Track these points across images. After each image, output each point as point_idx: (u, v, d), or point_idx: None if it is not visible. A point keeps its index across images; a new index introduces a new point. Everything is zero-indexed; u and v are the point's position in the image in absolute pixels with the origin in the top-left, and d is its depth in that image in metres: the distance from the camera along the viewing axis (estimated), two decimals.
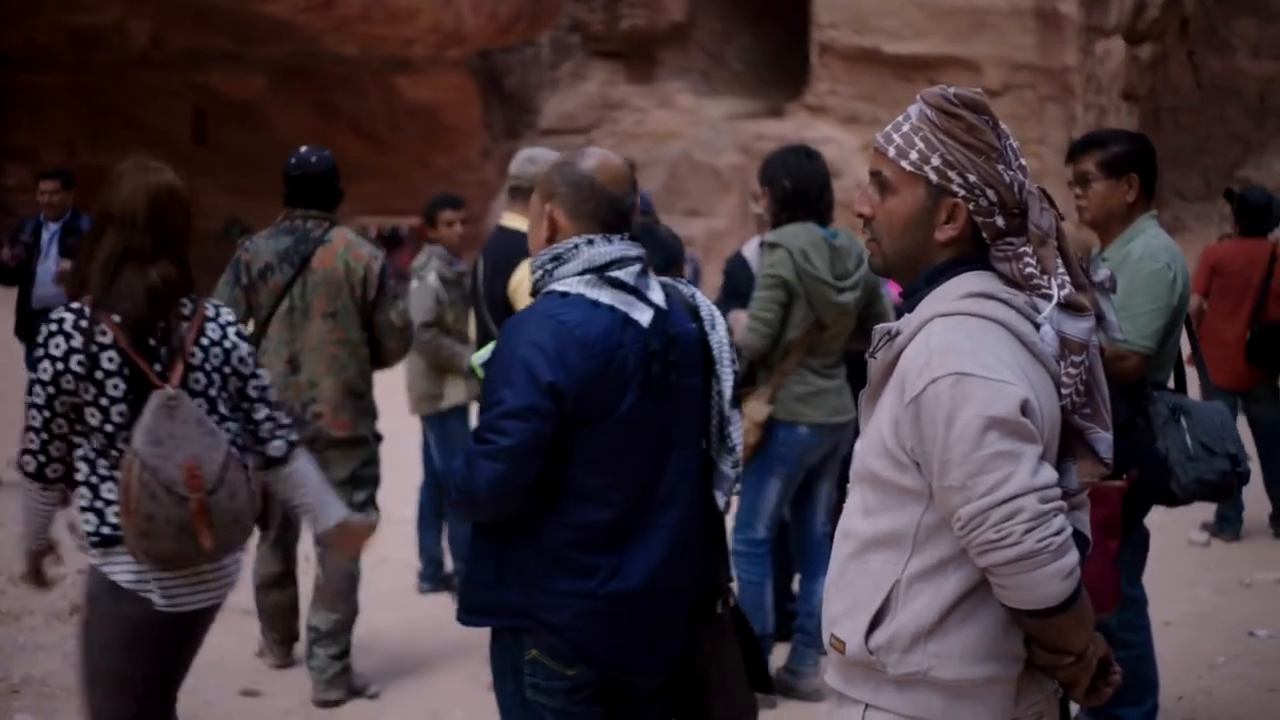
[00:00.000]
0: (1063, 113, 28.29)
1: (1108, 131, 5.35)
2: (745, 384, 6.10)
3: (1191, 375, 5.31)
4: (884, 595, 2.56)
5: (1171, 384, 5.22)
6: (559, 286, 3.42)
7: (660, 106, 33.97)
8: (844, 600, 2.65)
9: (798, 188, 6.01)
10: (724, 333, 3.66)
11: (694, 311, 3.64)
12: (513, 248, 5.63)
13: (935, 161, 2.56)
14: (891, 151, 2.62)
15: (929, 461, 2.47)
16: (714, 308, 3.70)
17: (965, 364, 2.43)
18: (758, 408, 5.96)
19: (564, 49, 36.80)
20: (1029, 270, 2.56)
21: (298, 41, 29.00)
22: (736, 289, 6.54)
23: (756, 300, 5.96)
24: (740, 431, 3.69)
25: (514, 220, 5.97)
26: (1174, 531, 9.15)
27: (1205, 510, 9.43)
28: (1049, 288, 2.56)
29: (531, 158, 6.09)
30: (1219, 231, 29.62)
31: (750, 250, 6.95)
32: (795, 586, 6.90)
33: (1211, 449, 4.88)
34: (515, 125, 35.34)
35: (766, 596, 6.12)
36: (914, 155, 2.58)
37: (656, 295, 3.51)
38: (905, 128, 2.62)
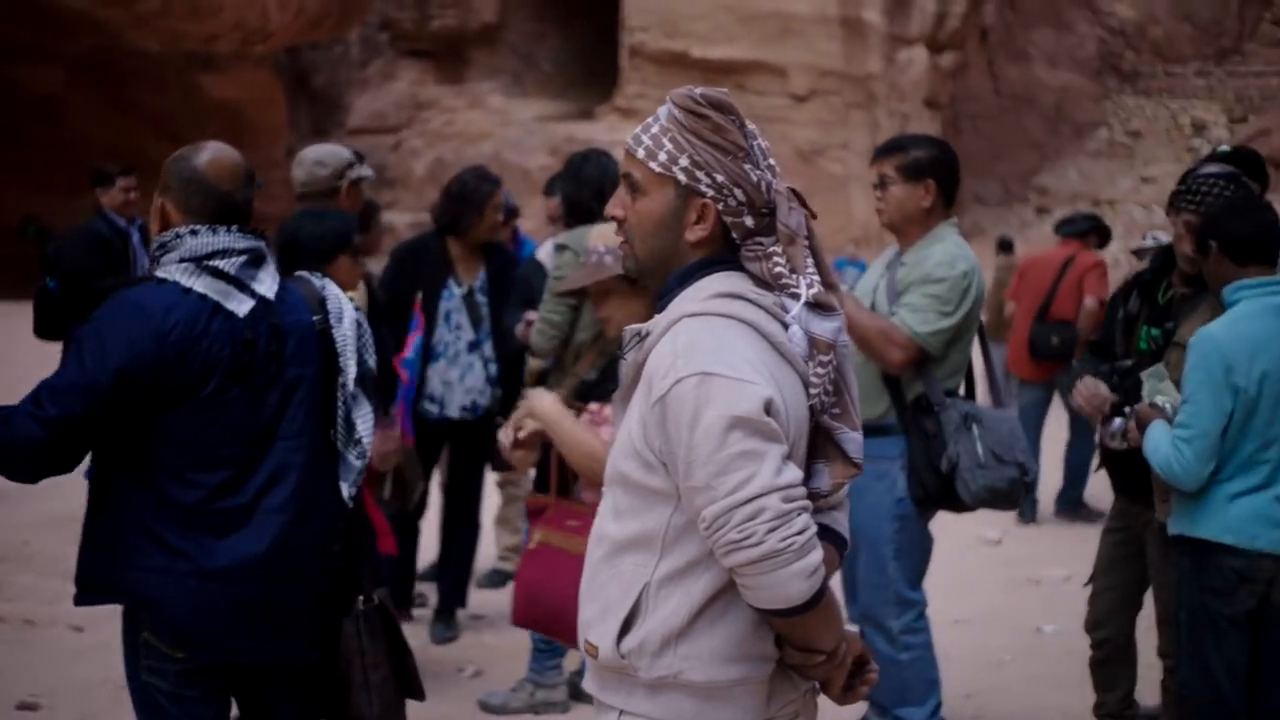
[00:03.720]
0: (867, 118, 28.82)
1: (910, 137, 5.41)
2: (539, 386, 6.09)
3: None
4: (634, 598, 2.55)
5: (963, 392, 5.30)
6: (160, 273, 3.51)
7: (471, 107, 33.88)
8: (596, 604, 2.63)
9: (576, 192, 6.04)
10: (350, 326, 3.74)
11: (320, 304, 3.71)
12: None
13: (684, 162, 2.56)
14: (641, 153, 2.60)
15: (675, 462, 2.46)
16: (345, 301, 3.79)
17: (710, 364, 2.43)
18: None
19: (373, 47, 36.50)
20: (778, 270, 2.57)
21: (98, 35, 28.27)
22: (530, 291, 6.52)
23: (544, 303, 5.94)
24: (369, 424, 3.77)
25: None
26: (966, 530, 9.35)
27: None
28: (798, 287, 2.57)
29: (320, 160, 5.93)
30: (1018, 235, 30.34)
31: (545, 253, 6.93)
32: None
33: (1001, 457, 4.94)
34: (323, 124, 34.95)
35: None
36: (663, 156, 2.57)
37: (264, 287, 3.59)
38: (654, 129, 2.61)
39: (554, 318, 5.89)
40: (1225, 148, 5.34)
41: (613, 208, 2.68)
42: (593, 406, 4.39)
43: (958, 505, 5.06)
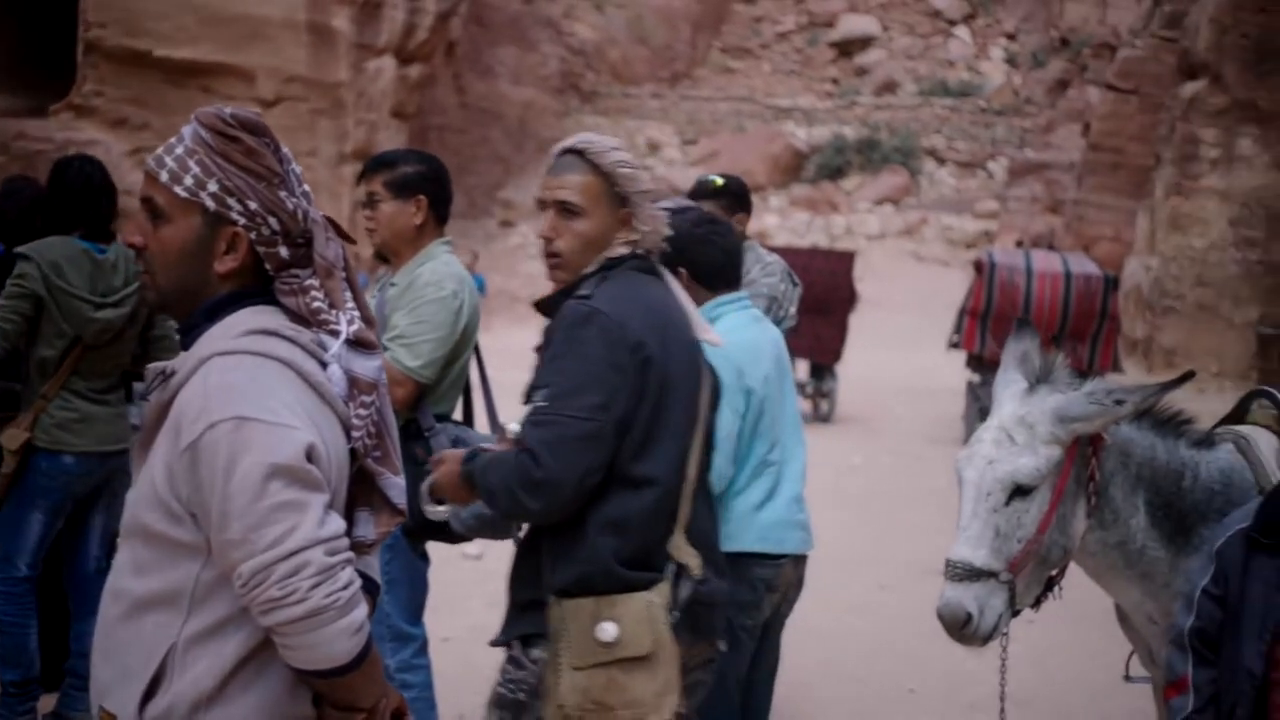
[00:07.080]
0: (335, 127, 28.58)
1: (400, 152, 5.26)
2: (6, 409, 5.68)
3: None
4: (159, 661, 2.34)
5: (460, 415, 5.18)
6: None
7: None
8: (114, 667, 2.41)
9: (55, 198, 5.68)
10: None
11: None
12: None
13: (212, 187, 2.38)
14: (164, 176, 2.40)
15: (207, 513, 2.28)
16: None
17: (246, 408, 2.26)
18: (14, 435, 5.52)
19: None
20: (316, 304, 2.43)
21: None
22: None
23: None
24: None
25: None
26: (447, 545, 9.33)
27: None
28: (337, 323, 2.43)
29: None
30: (484, 247, 30.90)
31: None
32: None
33: None
34: None
35: (31, 639, 5.67)
36: (189, 180, 2.39)
37: None
38: (179, 150, 2.42)
39: (5, 326, 5.46)
40: (717, 180, 5.51)
41: (131, 235, 2.46)
42: None
43: (450, 536, 4.84)
